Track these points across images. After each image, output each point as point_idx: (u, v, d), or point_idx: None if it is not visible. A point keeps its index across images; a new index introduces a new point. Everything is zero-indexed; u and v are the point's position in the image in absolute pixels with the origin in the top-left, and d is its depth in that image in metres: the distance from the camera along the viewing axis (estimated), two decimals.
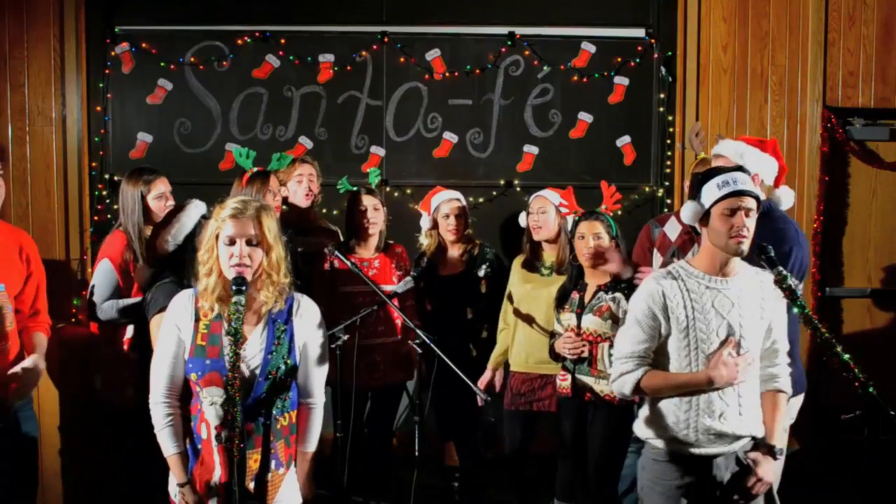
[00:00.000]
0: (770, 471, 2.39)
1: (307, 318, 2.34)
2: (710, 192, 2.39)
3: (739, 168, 2.46)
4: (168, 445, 2.27)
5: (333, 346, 3.32)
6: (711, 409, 2.36)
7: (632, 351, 2.44)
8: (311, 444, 2.41)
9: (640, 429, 2.50)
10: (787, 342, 2.49)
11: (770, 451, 2.39)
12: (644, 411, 2.50)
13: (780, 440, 2.43)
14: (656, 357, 2.44)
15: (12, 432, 2.76)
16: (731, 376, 2.31)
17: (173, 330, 2.28)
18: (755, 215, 2.38)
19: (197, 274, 2.28)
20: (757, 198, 2.39)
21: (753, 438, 2.42)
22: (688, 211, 2.46)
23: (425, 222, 3.83)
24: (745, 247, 2.36)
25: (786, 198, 2.92)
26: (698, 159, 3.75)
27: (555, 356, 3.31)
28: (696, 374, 2.36)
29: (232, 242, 2.21)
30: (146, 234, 3.32)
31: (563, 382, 3.26)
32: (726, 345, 2.33)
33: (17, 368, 2.71)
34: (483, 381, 3.63)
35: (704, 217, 2.41)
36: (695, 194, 2.46)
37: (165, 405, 2.27)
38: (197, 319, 2.26)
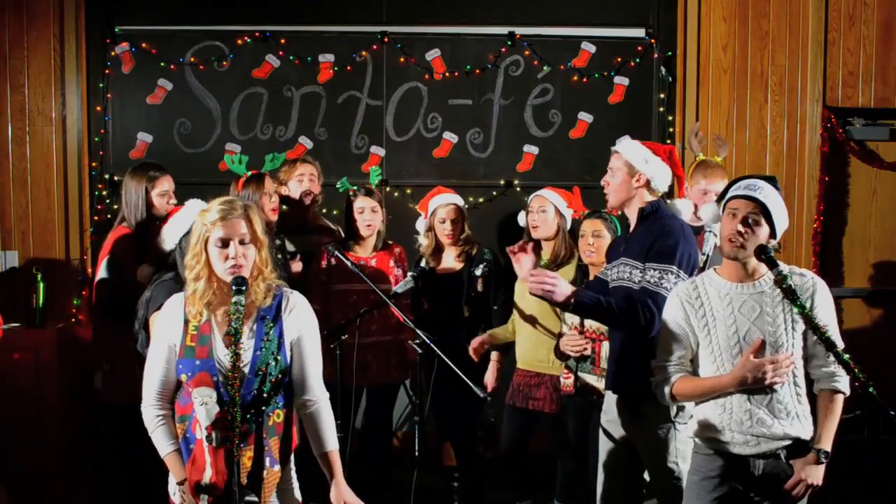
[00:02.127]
0: (815, 474, 2.33)
1: (297, 313, 2.31)
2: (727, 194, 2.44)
3: (768, 178, 2.43)
4: (163, 445, 2.26)
5: (333, 345, 3.32)
6: (747, 412, 2.34)
7: (664, 360, 2.48)
8: (332, 443, 2.34)
9: (691, 427, 2.52)
10: (838, 337, 2.36)
11: (815, 454, 2.33)
12: (694, 411, 2.52)
13: (828, 443, 2.35)
14: (693, 364, 2.47)
15: None
16: (758, 379, 2.29)
17: (163, 335, 2.27)
18: (756, 223, 2.34)
19: (185, 278, 2.27)
20: (763, 206, 2.34)
21: (798, 440, 2.36)
22: (707, 211, 2.50)
23: (421, 224, 3.83)
24: (737, 252, 2.35)
25: (685, 211, 2.84)
26: (697, 160, 3.75)
27: (560, 355, 3.31)
28: (720, 377, 2.36)
29: (225, 244, 2.19)
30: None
31: (567, 381, 3.27)
32: (752, 347, 2.32)
33: None
34: (476, 340, 3.58)
35: None
36: (721, 196, 2.50)
37: (156, 407, 2.27)
38: (186, 322, 2.24)
